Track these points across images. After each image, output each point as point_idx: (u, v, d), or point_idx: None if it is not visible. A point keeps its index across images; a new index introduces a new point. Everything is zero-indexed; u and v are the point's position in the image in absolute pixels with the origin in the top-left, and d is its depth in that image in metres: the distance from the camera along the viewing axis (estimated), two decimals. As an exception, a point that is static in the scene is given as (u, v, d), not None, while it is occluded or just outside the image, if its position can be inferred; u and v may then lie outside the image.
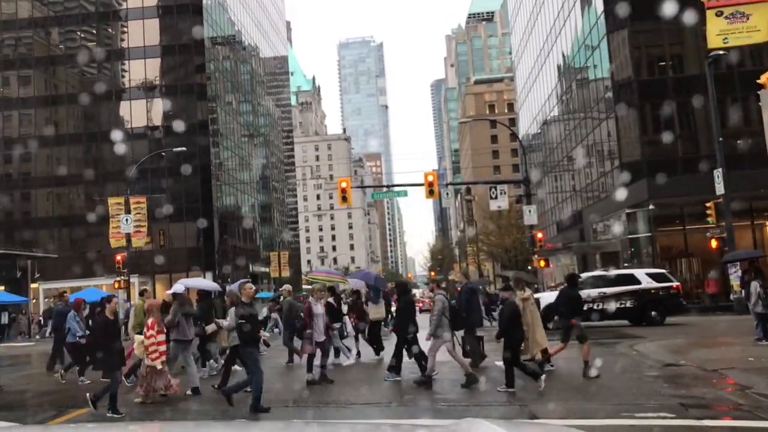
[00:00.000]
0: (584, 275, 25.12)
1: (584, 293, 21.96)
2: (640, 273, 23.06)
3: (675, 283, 22.64)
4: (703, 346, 15.06)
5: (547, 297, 23.31)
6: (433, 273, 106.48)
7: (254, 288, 11.61)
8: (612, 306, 21.41)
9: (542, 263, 36.18)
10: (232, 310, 12.28)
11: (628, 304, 21.41)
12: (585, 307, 21.73)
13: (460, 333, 13.24)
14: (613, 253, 36.95)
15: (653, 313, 21.55)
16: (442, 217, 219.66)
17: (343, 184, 31.91)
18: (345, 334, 16.72)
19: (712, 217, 24.49)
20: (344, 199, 31.89)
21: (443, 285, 13.95)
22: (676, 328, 20.47)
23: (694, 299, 30.60)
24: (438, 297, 11.93)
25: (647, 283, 21.94)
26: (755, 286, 16.31)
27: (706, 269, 30.12)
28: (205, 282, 18.32)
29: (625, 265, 33.25)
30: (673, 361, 13.25)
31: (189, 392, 11.48)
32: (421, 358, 12.27)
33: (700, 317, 24.66)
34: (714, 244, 25.41)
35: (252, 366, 10.05)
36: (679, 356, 13.85)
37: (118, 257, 37.75)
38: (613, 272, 24.48)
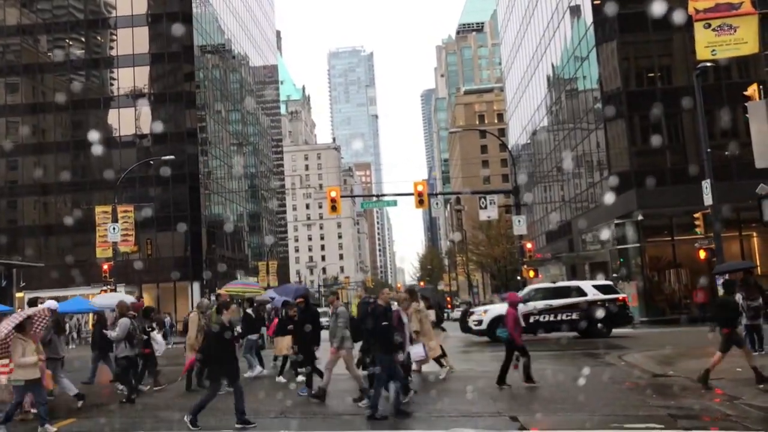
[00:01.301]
0: (529, 287, 25.14)
1: (531, 305, 21.88)
2: (586, 285, 23.17)
3: (621, 295, 22.86)
4: (691, 356, 15.05)
5: (495, 309, 22.99)
6: (422, 283, 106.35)
7: (390, 293, 11.73)
8: (558, 318, 21.43)
9: (531, 273, 36.19)
10: (121, 321, 12.44)
11: (574, 316, 21.38)
12: (531, 320, 21.59)
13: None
14: (602, 264, 37.03)
15: (599, 324, 21.57)
16: (431, 226, 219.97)
17: (333, 194, 31.84)
18: (262, 344, 16.66)
19: (700, 227, 24.55)
20: (333, 208, 31.82)
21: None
22: (663, 339, 20.49)
23: (683, 309, 30.71)
24: (340, 310, 11.81)
25: (593, 295, 21.95)
26: (739, 298, 16.39)
27: (694, 280, 30.21)
28: (115, 298, 18.55)
29: (614, 275, 33.34)
30: (661, 372, 13.23)
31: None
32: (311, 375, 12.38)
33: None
34: (702, 254, 25.48)
35: (380, 374, 10.12)
36: (667, 367, 13.84)
37: (105, 266, 37.42)
38: (560, 284, 24.58)
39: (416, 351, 12.12)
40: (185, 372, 13.79)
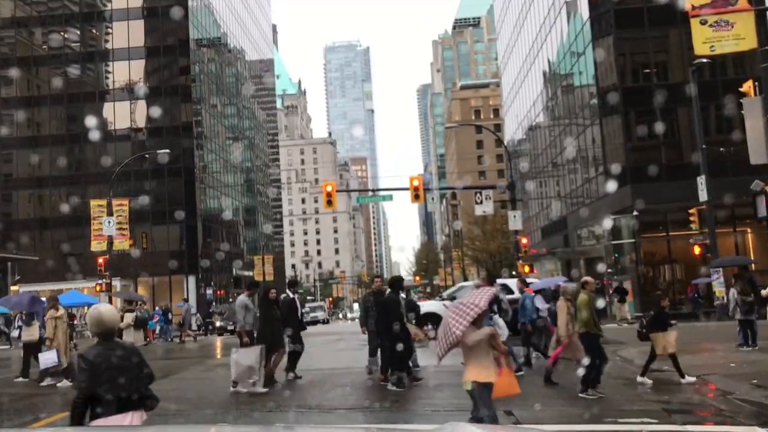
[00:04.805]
0: (459, 284, 24.98)
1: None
2: (513, 283, 23.08)
3: None
4: (686, 352, 15.09)
5: (428, 305, 22.77)
6: (418, 278, 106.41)
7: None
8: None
9: (527, 269, 36.23)
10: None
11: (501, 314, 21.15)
12: None
13: None
14: (597, 259, 37.13)
15: None
16: (427, 221, 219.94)
17: (329, 188, 31.80)
18: None
19: (695, 223, 24.67)
20: (329, 203, 31.80)
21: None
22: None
23: (677, 305, 30.81)
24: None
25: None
26: (733, 293, 16.48)
27: (689, 275, 30.30)
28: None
29: (609, 271, 33.43)
30: (656, 367, 13.27)
31: None
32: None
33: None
34: (697, 250, 25.59)
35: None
36: (662, 362, 13.88)
37: (100, 260, 37.34)
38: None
39: (47, 357, 12.00)
40: (551, 363, 11.99)
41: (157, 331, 33.46)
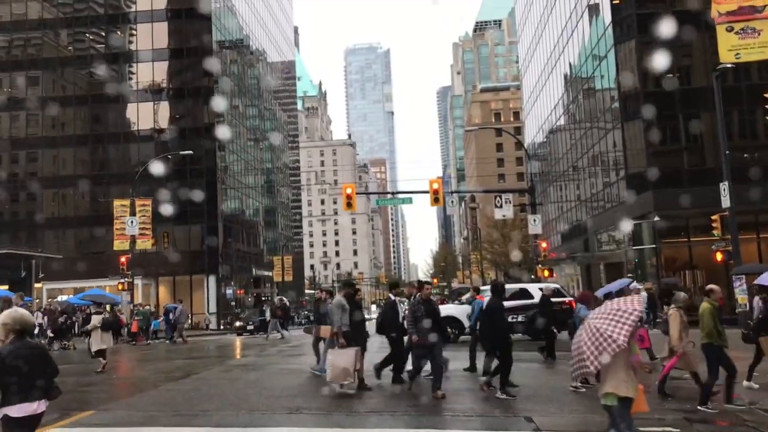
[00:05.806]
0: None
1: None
2: (533, 287, 22.97)
3: (568, 299, 22.35)
4: (707, 359, 14.97)
5: (446, 309, 22.65)
6: (435, 280, 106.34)
7: None
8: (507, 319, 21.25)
9: (546, 273, 36.11)
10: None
11: (520, 318, 21.23)
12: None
13: None
14: (618, 264, 36.88)
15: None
16: (446, 224, 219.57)
17: (348, 190, 31.92)
18: None
19: (717, 230, 24.43)
20: (349, 205, 31.91)
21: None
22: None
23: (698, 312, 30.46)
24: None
25: (539, 298, 21.72)
26: (757, 300, 16.29)
27: (710, 282, 29.92)
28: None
29: (629, 275, 33.17)
30: (677, 375, 13.18)
31: None
32: None
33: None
34: (719, 257, 25.34)
35: None
36: (683, 370, 13.77)
37: (123, 259, 37.83)
38: (507, 286, 24.50)
39: None
40: (661, 378, 11.69)
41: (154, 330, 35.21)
